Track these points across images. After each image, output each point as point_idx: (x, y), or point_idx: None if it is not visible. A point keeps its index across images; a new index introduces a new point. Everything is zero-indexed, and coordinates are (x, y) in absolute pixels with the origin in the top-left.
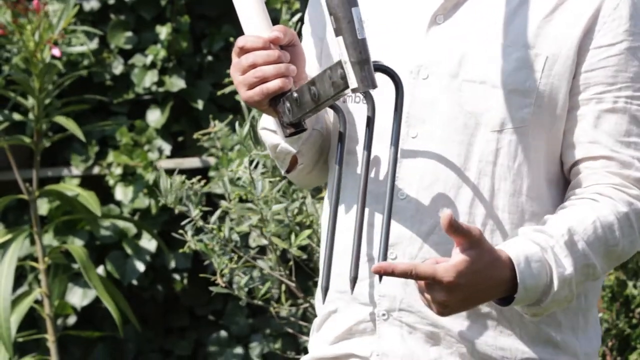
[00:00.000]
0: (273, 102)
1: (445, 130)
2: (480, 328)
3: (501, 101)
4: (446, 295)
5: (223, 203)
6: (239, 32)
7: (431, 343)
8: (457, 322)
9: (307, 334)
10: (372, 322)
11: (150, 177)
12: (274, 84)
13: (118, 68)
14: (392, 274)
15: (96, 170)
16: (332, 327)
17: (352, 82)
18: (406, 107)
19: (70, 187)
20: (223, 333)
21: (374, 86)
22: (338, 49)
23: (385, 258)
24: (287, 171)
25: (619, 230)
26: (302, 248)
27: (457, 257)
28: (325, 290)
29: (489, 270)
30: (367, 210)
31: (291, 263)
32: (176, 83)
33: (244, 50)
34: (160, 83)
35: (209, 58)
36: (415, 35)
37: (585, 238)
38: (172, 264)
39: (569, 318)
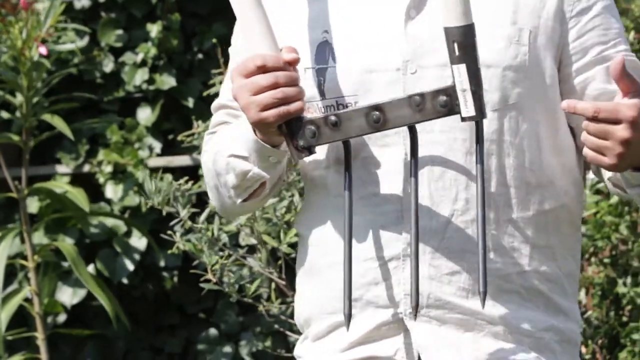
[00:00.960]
0: (283, 125)
1: (445, 120)
2: (505, 306)
3: (497, 80)
4: (631, 132)
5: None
6: (230, 30)
7: (463, 330)
8: (485, 305)
9: (297, 332)
10: (395, 322)
11: (140, 175)
12: (295, 106)
13: (108, 66)
14: (574, 110)
15: (86, 168)
16: (342, 335)
17: (470, 110)
18: None
19: (60, 185)
20: (213, 331)
21: (485, 117)
22: (456, 76)
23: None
24: (245, 199)
25: None
26: (292, 246)
27: (633, 100)
28: (349, 317)
29: None
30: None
31: (281, 261)
32: (167, 81)
33: (262, 70)
34: (150, 81)
35: (200, 56)
36: (394, 32)
37: None
38: (162, 262)
39: (572, 285)
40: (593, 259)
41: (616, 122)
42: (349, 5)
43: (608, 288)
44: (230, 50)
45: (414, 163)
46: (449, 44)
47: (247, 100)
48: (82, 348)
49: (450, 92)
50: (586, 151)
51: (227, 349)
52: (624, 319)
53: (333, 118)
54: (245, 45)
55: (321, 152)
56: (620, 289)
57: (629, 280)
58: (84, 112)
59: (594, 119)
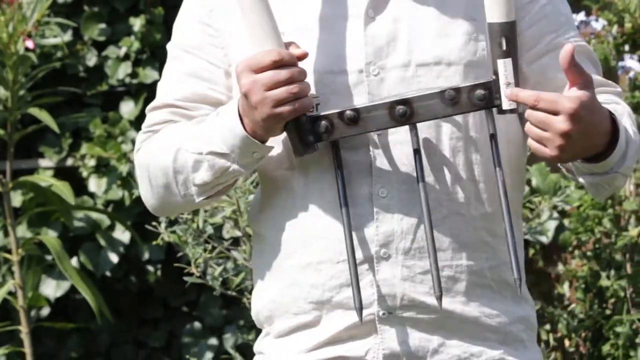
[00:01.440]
0: (290, 120)
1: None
2: (477, 302)
3: (459, 77)
4: (570, 125)
5: None
6: None
7: (433, 331)
8: (458, 303)
9: None
10: (366, 324)
11: (123, 168)
12: (308, 101)
13: (92, 60)
14: (516, 98)
15: (70, 162)
16: (308, 336)
17: (512, 103)
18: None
19: (44, 179)
20: (197, 324)
21: (519, 111)
22: (502, 70)
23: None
24: (208, 197)
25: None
26: None
27: (578, 92)
28: (361, 310)
29: (600, 112)
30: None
31: None
32: (150, 75)
33: (278, 65)
34: (133, 75)
35: None
36: (354, 34)
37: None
38: (146, 256)
39: (524, 271)
40: (576, 252)
41: (555, 113)
42: (307, 5)
43: (591, 281)
44: (175, 47)
45: (418, 159)
46: (497, 38)
47: (262, 95)
48: (65, 341)
49: (489, 85)
50: (530, 141)
51: (211, 342)
52: (608, 311)
53: (350, 113)
54: (252, 42)
55: (281, 152)
56: (604, 282)
57: (612, 273)
58: (67, 106)
59: (534, 108)
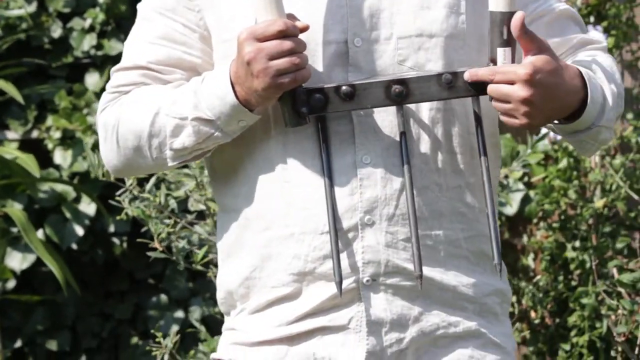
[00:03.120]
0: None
1: None
2: (454, 271)
3: (440, 49)
4: (528, 91)
5: None
6: None
7: (414, 299)
8: (437, 271)
9: None
10: (350, 292)
11: (89, 140)
12: (308, 72)
13: (56, 31)
14: (476, 76)
15: (35, 134)
16: (287, 309)
17: None
18: (351, 75)
19: (9, 151)
20: (163, 297)
21: None
22: (500, 58)
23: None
24: (188, 160)
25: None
26: None
27: (532, 57)
28: (340, 283)
29: (563, 73)
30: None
31: None
32: (115, 46)
33: (282, 35)
34: (99, 46)
35: None
36: (338, 5)
37: (606, 75)
38: (112, 228)
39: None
40: (542, 224)
41: (512, 83)
42: None
43: (557, 252)
44: (146, 7)
45: (404, 142)
46: (498, 27)
47: (265, 65)
48: (31, 314)
49: None
50: (500, 117)
51: (178, 314)
52: (573, 283)
53: (346, 88)
54: (256, 11)
55: (258, 122)
56: (569, 254)
57: (577, 244)
58: (32, 78)
59: (493, 82)
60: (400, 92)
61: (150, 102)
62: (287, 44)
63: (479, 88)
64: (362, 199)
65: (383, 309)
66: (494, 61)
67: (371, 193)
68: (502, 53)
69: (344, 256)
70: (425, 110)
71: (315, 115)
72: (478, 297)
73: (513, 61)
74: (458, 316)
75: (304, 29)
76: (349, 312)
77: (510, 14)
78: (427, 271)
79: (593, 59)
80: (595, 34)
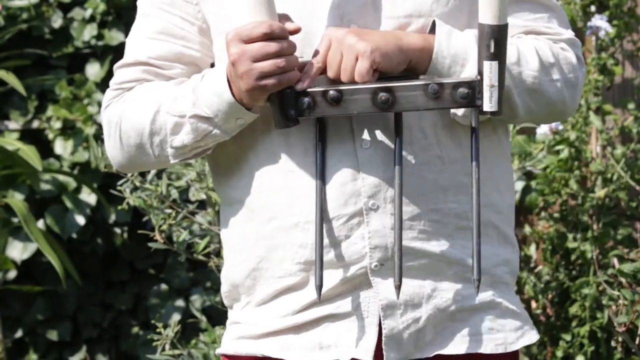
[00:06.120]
0: (274, 93)
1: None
2: (462, 244)
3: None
4: (358, 39)
5: None
6: None
7: (424, 276)
8: (445, 246)
9: None
10: (357, 278)
11: (90, 130)
12: (295, 75)
13: (57, 22)
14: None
15: (35, 124)
16: (294, 299)
17: (493, 105)
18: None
19: (10, 142)
20: (164, 286)
21: (502, 112)
22: (487, 72)
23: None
24: (189, 157)
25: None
26: None
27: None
28: (320, 288)
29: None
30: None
31: None
32: (115, 36)
33: (268, 38)
34: (99, 37)
35: None
36: None
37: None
38: (113, 218)
39: (513, 216)
40: (543, 214)
41: (337, 43)
42: None
43: (558, 243)
44: (146, 3)
45: (399, 143)
46: (486, 40)
47: (249, 67)
48: (32, 304)
49: (473, 85)
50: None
51: (178, 303)
52: (574, 273)
53: (333, 93)
54: (245, 11)
55: (260, 116)
56: (570, 244)
57: (578, 235)
58: (33, 68)
59: (320, 60)
60: (387, 100)
61: (151, 99)
62: (272, 46)
63: (465, 101)
64: (365, 184)
65: (394, 291)
66: (481, 74)
67: (373, 178)
68: (488, 67)
69: (350, 242)
70: None
71: (302, 118)
72: (487, 268)
73: (501, 75)
74: (471, 289)
75: (295, 31)
76: (356, 298)
77: (499, 27)
78: (435, 247)
79: (522, 39)
80: (558, 28)
